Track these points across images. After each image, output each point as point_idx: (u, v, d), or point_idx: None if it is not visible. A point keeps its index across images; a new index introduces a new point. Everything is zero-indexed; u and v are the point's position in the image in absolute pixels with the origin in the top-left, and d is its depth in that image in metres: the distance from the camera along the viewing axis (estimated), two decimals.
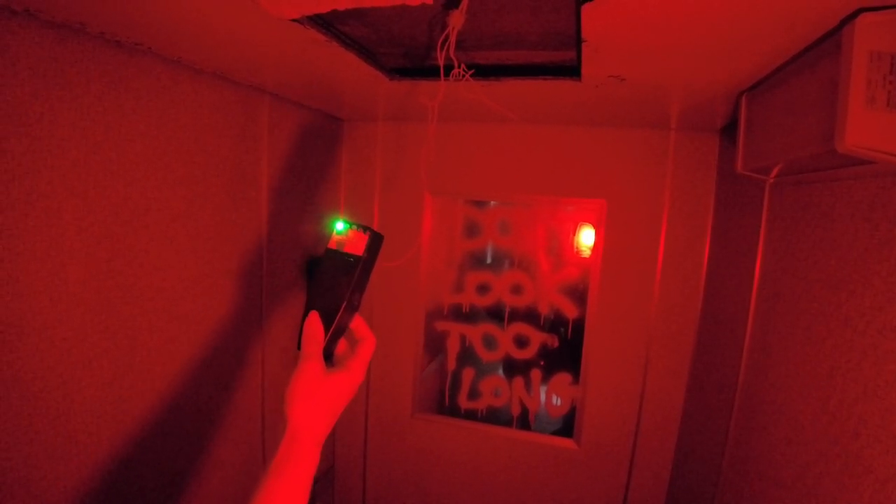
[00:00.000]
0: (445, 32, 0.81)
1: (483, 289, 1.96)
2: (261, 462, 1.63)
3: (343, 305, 0.74)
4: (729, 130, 1.53)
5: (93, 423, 1.04)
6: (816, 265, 0.95)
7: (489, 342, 1.97)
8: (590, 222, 1.83)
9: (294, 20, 0.78)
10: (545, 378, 1.94)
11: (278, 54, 1.06)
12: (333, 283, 0.74)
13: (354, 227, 0.76)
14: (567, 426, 1.94)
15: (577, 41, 0.86)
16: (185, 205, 1.22)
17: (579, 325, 1.84)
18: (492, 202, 1.97)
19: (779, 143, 0.94)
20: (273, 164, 1.53)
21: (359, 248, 0.75)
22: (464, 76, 0.90)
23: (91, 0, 0.80)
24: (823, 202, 0.95)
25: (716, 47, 0.86)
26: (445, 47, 0.82)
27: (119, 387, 1.09)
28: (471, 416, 2.04)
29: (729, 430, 1.31)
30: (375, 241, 0.77)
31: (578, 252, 1.90)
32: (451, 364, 2.04)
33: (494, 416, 2.02)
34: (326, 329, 0.73)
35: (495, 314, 1.96)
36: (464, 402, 2.04)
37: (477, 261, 2.04)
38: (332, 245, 0.76)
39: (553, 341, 1.92)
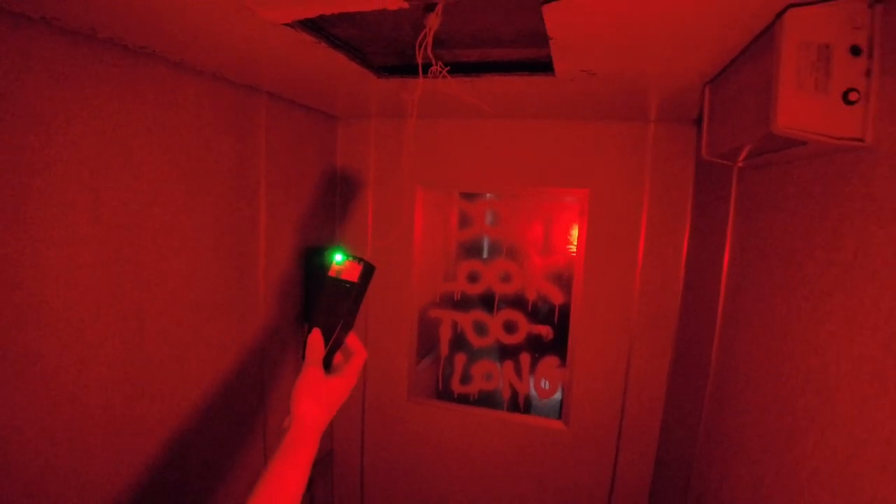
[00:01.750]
0: (423, 32, 0.89)
1: (473, 277, 2.04)
2: (260, 438, 1.71)
3: (340, 324, 0.89)
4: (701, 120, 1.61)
5: (105, 399, 1.12)
6: (774, 243, 1.03)
7: (480, 328, 2.05)
8: (574, 211, 1.91)
9: (286, 24, 0.86)
10: (534, 362, 2.03)
11: (273, 55, 1.14)
12: (333, 305, 0.89)
13: (351, 258, 0.90)
14: (556, 407, 2.02)
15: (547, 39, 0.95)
16: (188, 198, 1.30)
17: (565, 311, 1.93)
18: (481, 194, 2.06)
19: (732, 129, 1.02)
20: (271, 160, 1.61)
21: (353, 275, 0.89)
22: (441, 73, 0.98)
23: (101, 8, 0.88)
24: (776, 184, 1.03)
25: (672, 43, 0.95)
26: (423, 46, 0.90)
27: (129, 366, 1.17)
28: (463, 399, 2.13)
29: (704, 403, 1.39)
30: (368, 271, 0.90)
31: (563, 240, 1.99)
32: (444, 350, 2.12)
33: (487, 400, 2.11)
34: (326, 343, 0.89)
35: (485, 301, 2.05)
36: (457, 387, 2.13)
37: (468, 250, 2.13)
38: (332, 273, 0.90)
39: (548, 334, 2.00)
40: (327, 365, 0.90)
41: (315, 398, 0.84)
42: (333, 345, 0.90)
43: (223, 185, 1.42)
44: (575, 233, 1.91)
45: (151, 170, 1.19)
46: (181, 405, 1.34)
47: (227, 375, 1.50)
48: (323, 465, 2.15)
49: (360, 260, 0.90)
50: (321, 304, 0.90)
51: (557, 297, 1.95)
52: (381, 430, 2.17)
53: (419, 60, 0.93)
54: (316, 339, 0.89)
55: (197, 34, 1.00)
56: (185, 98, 1.26)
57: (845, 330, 0.76)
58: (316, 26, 0.97)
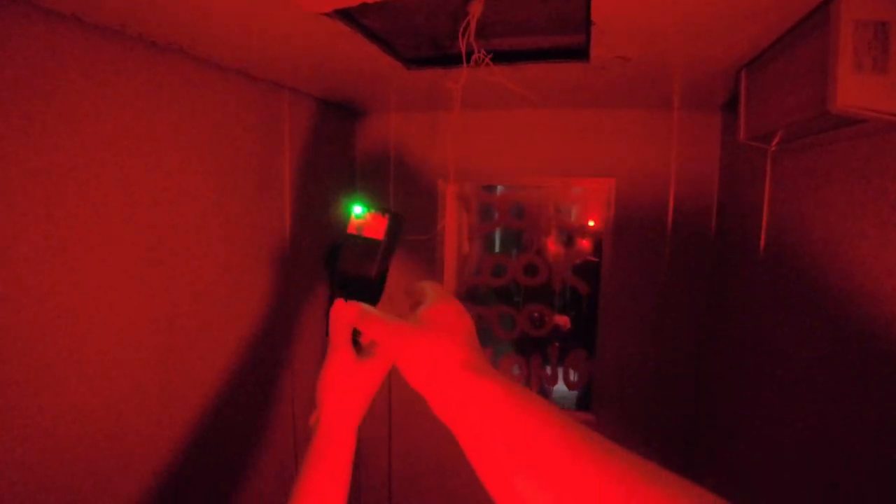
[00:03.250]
0: (466, 20, 0.87)
1: (498, 271, 2.02)
2: (290, 435, 1.70)
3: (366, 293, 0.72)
4: (730, 106, 1.58)
5: (138, 403, 1.11)
6: (818, 224, 1.01)
7: (506, 322, 2.03)
8: (600, 201, 1.89)
9: (324, 14, 0.85)
10: (561, 354, 2.01)
11: (303, 48, 1.12)
12: (356, 269, 0.71)
13: (373, 210, 0.73)
14: (585, 400, 2.01)
15: (587, 24, 0.92)
16: (216, 195, 1.29)
17: (593, 302, 1.91)
18: (505, 186, 2.04)
19: (777, 111, 1.00)
20: (294, 157, 1.60)
21: (378, 231, 0.72)
22: (484, 60, 0.97)
23: (133, 4, 0.86)
24: (821, 165, 1.01)
25: (715, 25, 0.92)
26: (466, 34, 0.88)
27: (160, 369, 1.16)
28: None
29: (735, 390, 1.37)
30: (396, 224, 0.73)
31: (590, 231, 1.97)
32: None
33: None
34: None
35: (511, 294, 2.03)
36: None
37: (493, 243, 2.11)
38: (351, 230, 0.73)
39: (565, 323, 1.98)
40: (355, 343, 0.73)
41: (346, 389, 0.69)
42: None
43: (249, 183, 1.41)
44: (601, 223, 1.89)
45: (181, 168, 1.17)
46: (210, 409, 1.33)
47: (254, 376, 1.49)
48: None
49: (384, 211, 0.72)
50: (342, 269, 0.73)
51: (584, 289, 1.93)
52: (409, 425, 2.16)
53: (462, 48, 0.91)
54: (340, 311, 0.67)
55: (229, 28, 0.98)
56: (211, 94, 1.24)
57: None
58: (349, 17, 0.95)
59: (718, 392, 1.58)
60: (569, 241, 2.08)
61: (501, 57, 1.17)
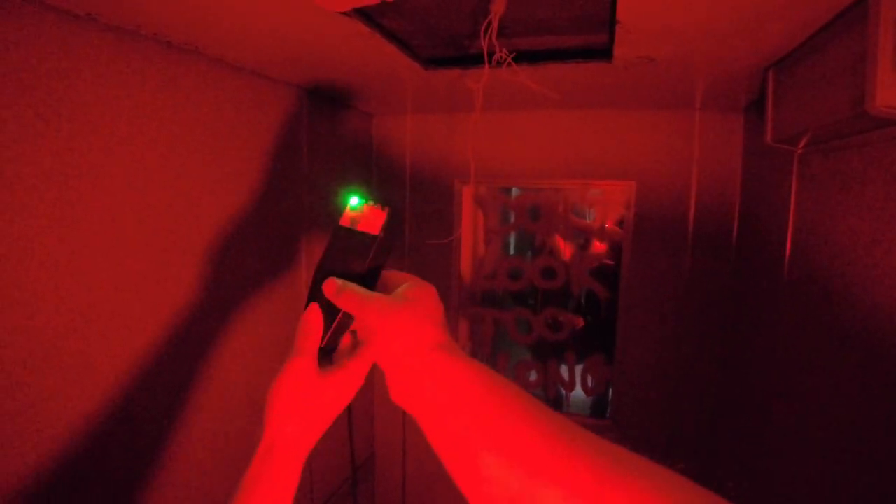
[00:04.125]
0: (488, 19, 0.85)
1: (515, 274, 1.99)
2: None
3: None
4: (753, 108, 1.55)
5: (154, 408, 1.09)
6: (848, 228, 0.98)
7: (522, 326, 2.00)
8: (619, 204, 1.86)
9: (343, 13, 0.83)
10: (579, 359, 1.97)
11: (321, 49, 1.10)
12: (342, 267, 0.62)
13: (371, 202, 0.65)
14: (601, 406, 1.97)
15: (611, 23, 0.90)
16: (232, 198, 1.27)
17: (611, 306, 1.87)
18: (521, 188, 2.01)
19: (808, 112, 0.96)
20: (311, 158, 1.58)
21: (375, 226, 0.63)
22: (506, 60, 0.94)
23: (149, 4, 0.85)
24: (854, 167, 0.97)
25: (743, 24, 0.89)
26: (488, 33, 0.86)
27: (175, 374, 1.14)
28: None
29: (760, 397, 1.33)
30: (394, 221, 0.65)
31: (608, 234, 1.94)
32: (487, 349, 2.08)
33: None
34: (329, 323, 0.62)
35: (528, 298, 2.00)
36: None
37: (507, 246, 2.08)
38: (343, 222, 0.65)
39: (578, 322, 1.95)
40: (326, 353, 0.65)
41: (299, 405, 0.59)
42: (339, 326, 0.63)
43: (266, 185, 1.39)
44: (620, 226, 1.85)
45: (198, 170, 1.16)
46: (226, 417, 1.31)
47: (270, 375, 1.47)
48: (366, 469, 2.12)
49: (384, 205, 0.65)
50: (326, 266, 0.63)
51: (603, 293, 1.90)
52: (423, 433, 2.12)
53: (484, 47, 0.89)
54: (312, 317, 0.61)
55: (245, 28, 0.97)
56: (227, 95, 1.23)
57: None
58: (368, 17, 0.93)
59: (741, 401, 1.54)
60: (586, 244, 2.05)
61: (522, 57, 1.15)
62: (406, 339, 0.53)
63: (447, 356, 0.52)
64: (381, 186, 2.04)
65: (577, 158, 1.82)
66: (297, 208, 1.54)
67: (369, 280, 0.63)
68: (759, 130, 1.19)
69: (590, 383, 1.96)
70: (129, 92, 0.98)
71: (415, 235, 2.02)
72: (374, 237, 0.63)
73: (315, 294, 0.63)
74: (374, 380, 2.11)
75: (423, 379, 0.52)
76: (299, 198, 1.54)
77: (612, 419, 1.90)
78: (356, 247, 0.62)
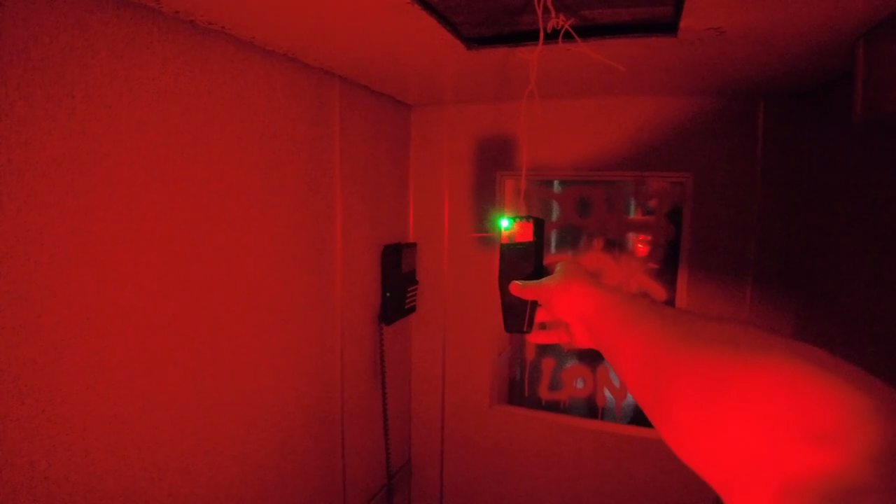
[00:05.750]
0: None
1: None
2: (338, 446, 1.60)
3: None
4: (821, 91, 1.40)
5: (175, 412, 1.02)
6: None
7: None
8: (675, 197, 1.72)
9: None
10: None
11: (354, 25, 1.02)
12: (517, 269, 0.84)
13: (518, 219, 0.85)
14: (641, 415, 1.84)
15: None
16: (261, 190, 1.20)
17: None
18: (567, 181, 1.89)
19: None
20: (345, 151, 1.50)
21: (527, 235, 0.84)
22: (563, 28, 0.84)
23: None
24: None
25: None
26: (542, 3, 0.75)
27: (200, 376, 1.07)
28: (552, 407, 1.96)
29: None
30: (539, 225, 0.85)
31: (664, 230, 1.79)
32: (530, 354, 1.96)
33: (577, 408, 1.94)
34: (523, 312, 0.83)
35: None
36: (545, 394, 1.96)
37: (552, 243, 1.96)
38: (504, 240, 0.86)
39: None
40: (529, 325, 0.84)
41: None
42: (531, 310, 0.83)
43: (297, 177, 1.32)
44: (676, 221, 1.71)
45: (222, 159, 1.09)
46: (255, 415, 1.24)
47: (302, 380, 1.40)
48: (401, 477, 2.03)
49: (527, 218, 0.85)
50: (506, 272, 0.85)
51: (659, 293, 1.76)
52: (462, 439, 2.04)
53: (539, 13, 0.78)
54: (521, 290, 0.81)
55: (275, 2, 0.89)
56: (256, 81, 1.16)
57: None
58: None
59: None
60: (639, 241, 1.91)
61: (577, 31, 1.04)
62: (568, 301, 0.70)
63: (595, 305, 0.66)
64: (421, 179, 1.95)
65: (628, 149, 1.69)
66: (331, 203, 1.46)
67: (537, 272, 0.83)
68: (835, 113, 1.05)
69: None
70: (149, 75, 0.91)
71: (455, 231, 1.92)
72: (530, 242, 0.84)
73: (505, 298, 0.84)
74: (412, 384, 2.02)
75: (588, 322, 0.67)
76: (332, 192, 1.46)
77: None
78: (520, 254, 0.84)
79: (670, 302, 1.73)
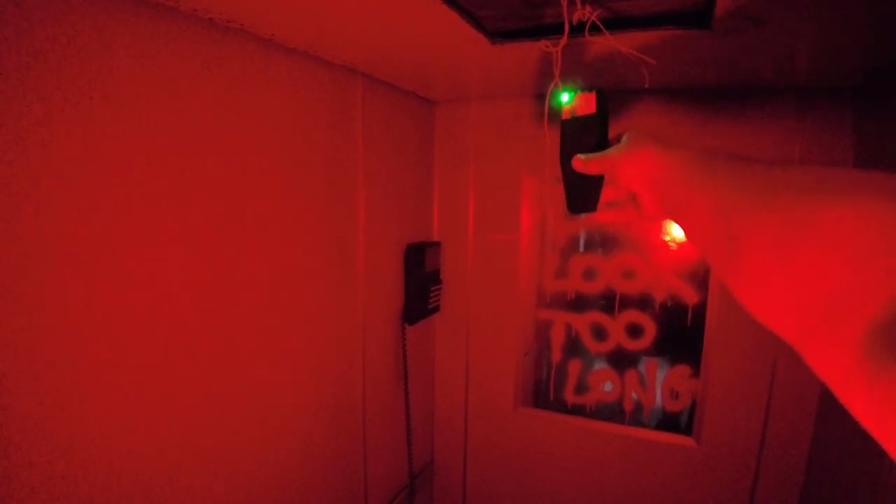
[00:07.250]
0: None
1: (589, 274, 1.83)
2: (360, 445, 1.59)
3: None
4: (864, 88, 1.33)
5: (196, 413, 1.02)
6: None
7: (598, 332, 1.84)
8: None
9: None
10: (661, 371, 1.79)
11: (376, 21, 1.00)
12: (581, 144, 0.78)
13: (580, 90, 0.79)
14: (674, 422, 1.79)
15: None
16: (282, 188, 1.19)
17: (700, 313, 1.68)
18: None
19: None
20: (368, 149, 1.49)
21: (590, 107, 0.78)
22: (589, 19, 0.80)
23: None
24: None
25: None
26: None
27: (219, 379, 1.07)
28: (578, 411, 1.92)
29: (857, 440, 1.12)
30: (603, 96, 0.79)
31: None
32: (556, 356, 1.93)
33: (604, 412, 1.90)
34: (589, 189, 0.79)
35: (604, 301, 1.83)
36: (570, 397, 1.92)
37: (577, 242, 1.92)
38: (565, 116, 0.80)
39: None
40: (593, 205, 0.81)
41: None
42: (595, 186, 0.79)
43: (319, 176, 1.30)
44: None
45: (242, 159, 1.08)
46: (275, 415, 1.23)
47: (323, 380, 1.39)
48: (423, 478, 2.02)
49: (588, 88, 0.78)
50: (568, 149, 0.80)
51: (691, 297, 1.71)
52: (485, 441, 2.01)
53: (564, 4, 0.75)
54: (579, 162, 0.77)
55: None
56: (276, 79, 1.14)
57: None
58: None
59: (844, 435, 1.32)
60: (674, 242, 1.85)
61: (603, 24, 1.00)
62: (637, 168, 0.67)
63: (668, 167, 0.62)
64: (445, 177, 1.93)
65: None
66: (354, 202, 1.45)
67: (602, 146, 0.77)
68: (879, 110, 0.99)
69: (672, 397, 1.78)
70: (167, 74, 0.91)
71: (479, 230, 1.90)
72: (594, 115, 0.78)
73: (568, 176, 0.79)
74: (435, 385, 2.01)
75: (659, 186, 0.63)
76: (356, 191, 1.45)
77: (696, 438, 1.71)
78: (583, 128, 0.78)
79: (702, 305, 1.68)
